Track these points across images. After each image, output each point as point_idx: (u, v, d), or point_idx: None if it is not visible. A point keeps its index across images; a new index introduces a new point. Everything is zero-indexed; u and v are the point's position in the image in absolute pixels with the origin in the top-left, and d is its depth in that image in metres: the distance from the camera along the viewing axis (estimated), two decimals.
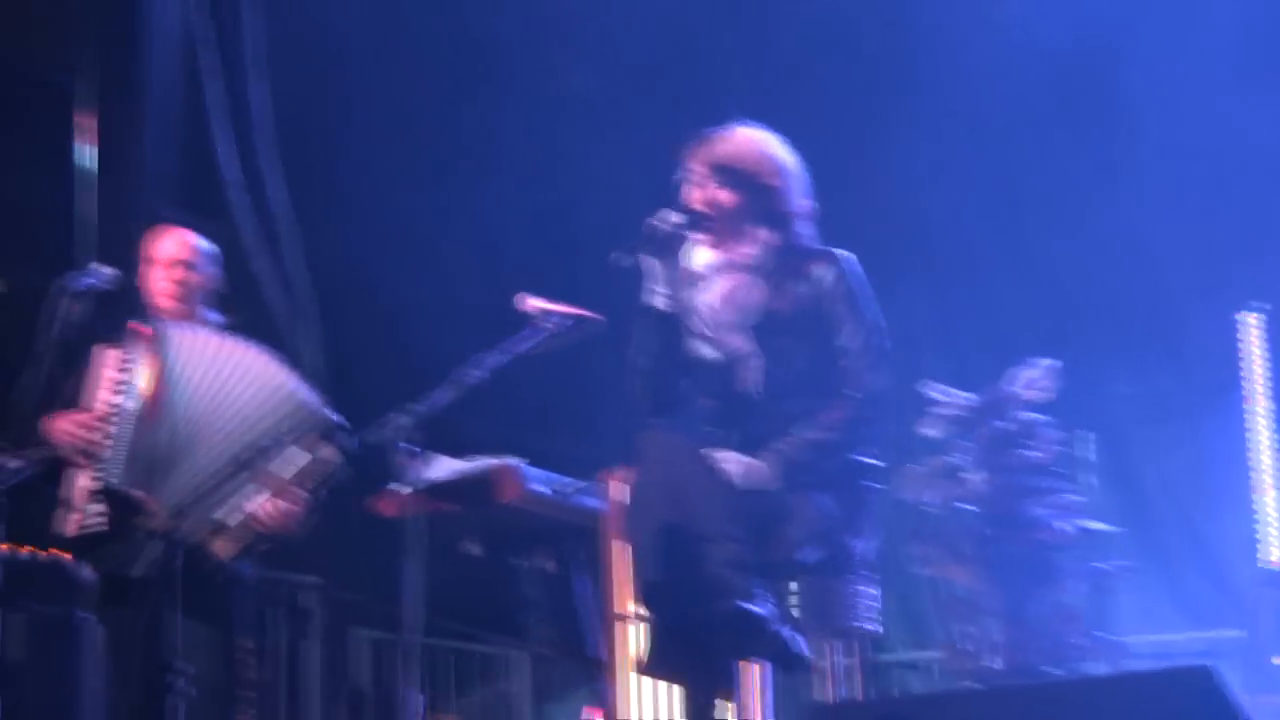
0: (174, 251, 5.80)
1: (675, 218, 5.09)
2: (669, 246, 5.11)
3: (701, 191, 5.16)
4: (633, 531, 4.95)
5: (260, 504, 5.39)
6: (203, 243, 5.88)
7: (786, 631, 4.78)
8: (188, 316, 5.74)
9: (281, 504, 5.40)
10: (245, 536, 5.36)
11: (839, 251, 5.18)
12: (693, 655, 4.84)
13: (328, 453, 5.46)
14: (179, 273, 5.75)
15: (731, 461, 4.94)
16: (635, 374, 5.20)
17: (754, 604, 4.70)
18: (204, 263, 5.84)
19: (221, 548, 5.34)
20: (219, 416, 5.49)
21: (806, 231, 5.22)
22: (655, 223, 5.08)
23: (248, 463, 5.43)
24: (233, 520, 5.34)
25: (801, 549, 4.95)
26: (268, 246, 8.31)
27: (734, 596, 4.70)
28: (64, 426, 5.48)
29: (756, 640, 4.74)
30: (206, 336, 5.61)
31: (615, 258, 5.04)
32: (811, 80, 9.32)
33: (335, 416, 5.57)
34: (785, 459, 4.95)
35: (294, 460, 5.43)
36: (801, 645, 4.82)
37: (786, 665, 4.87)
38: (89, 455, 5.45)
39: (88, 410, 5.53)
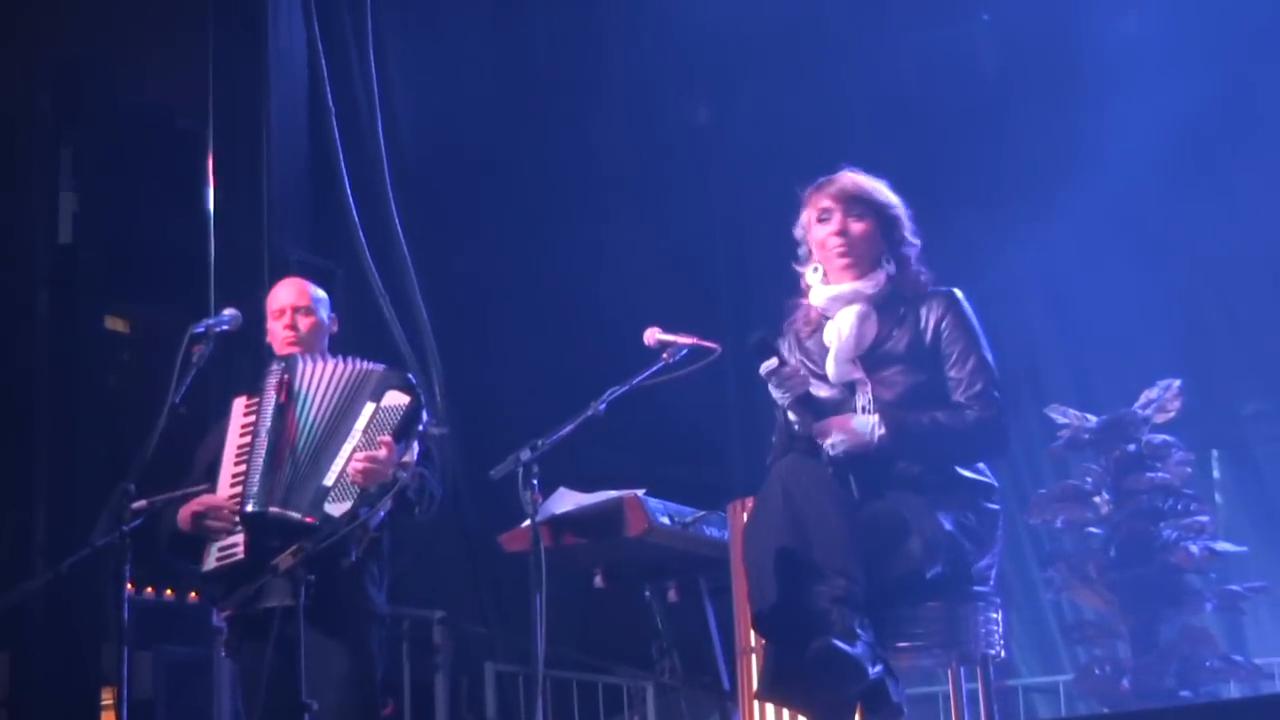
0: (290, 299, 5.92)
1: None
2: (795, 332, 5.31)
3: (834, 225, 5.23)
4: (748, 556, 4.96)
5: (350, 460, 5.48)
6: (318, 290, 6.01)
7: (880, 675, 4.73)
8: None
9: (367, 453, 5.48)
10: (349, 492, 5.45)
11: (949, 288, 5.25)
12: (805, 684, 4.81)
13: (394, 398, 5.56)
14: (295, 318, 5.87)
15: (841, 427, 5.01)
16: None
17: (850, 644, 4.66)
18: (320, 307, 5.95)
19: (335, 509, 5.43)
20: (337, 432, 5.60)
21: (919, 267, 5.28)
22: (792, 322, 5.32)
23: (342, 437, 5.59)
24: (330, 481, 5.46)
25: (923, 562, 4.94)
26: (393, 287, 8.41)
27: (831, 634, 4.67)
28: (192, 514, 5.58)
29: (847, 680, 4.67)
30: (326, 364, 5.71)
31: (751, 344, 5.12)
32: (920, 118, 9.37)
33: (393, 367, 5.75)
34: (898, 420, 5.02)
35: (365, 413, 5.56)
36: (896, 691, 4.77)
37: (876, 710, 4.80)
38: (215, 540, 5.56)
39: (223, 462, 5.64)
